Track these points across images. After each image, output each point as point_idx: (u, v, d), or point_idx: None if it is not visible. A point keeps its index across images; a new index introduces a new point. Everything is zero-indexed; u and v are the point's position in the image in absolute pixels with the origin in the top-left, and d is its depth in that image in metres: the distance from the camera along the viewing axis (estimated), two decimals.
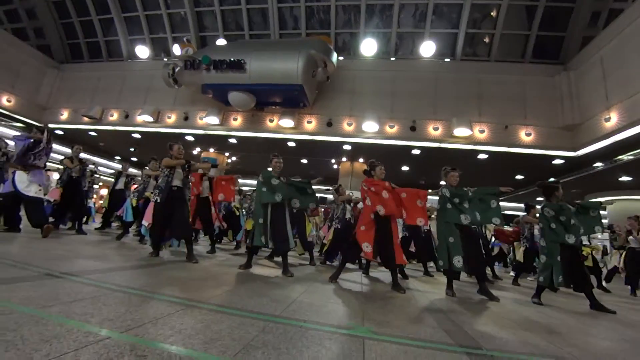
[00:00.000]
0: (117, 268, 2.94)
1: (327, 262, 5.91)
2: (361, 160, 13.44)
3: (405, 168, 13.95)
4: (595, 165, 10.60)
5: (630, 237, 6.12)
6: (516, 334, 2.14)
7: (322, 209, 9.25)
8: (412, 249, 6.09)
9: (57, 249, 3.70)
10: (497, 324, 2.44)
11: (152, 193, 5.86)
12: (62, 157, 6.13)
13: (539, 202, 4.25)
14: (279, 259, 4.70)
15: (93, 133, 14.11)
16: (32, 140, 4.68)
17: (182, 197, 4.11)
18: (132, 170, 7.19)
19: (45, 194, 5.20)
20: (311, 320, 1.92)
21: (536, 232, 5.63)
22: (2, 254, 2.96)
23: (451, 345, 1.74)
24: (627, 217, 6.42)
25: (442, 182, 4.13)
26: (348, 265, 5.07)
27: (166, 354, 1.23)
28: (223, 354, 1.28)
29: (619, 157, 9.73)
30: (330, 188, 6.37)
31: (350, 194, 6.49)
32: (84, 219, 6.88)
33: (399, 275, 4.18)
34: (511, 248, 7.68)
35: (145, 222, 3.88)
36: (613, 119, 8.68)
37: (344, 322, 2.02)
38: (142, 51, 14.20)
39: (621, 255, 6.44)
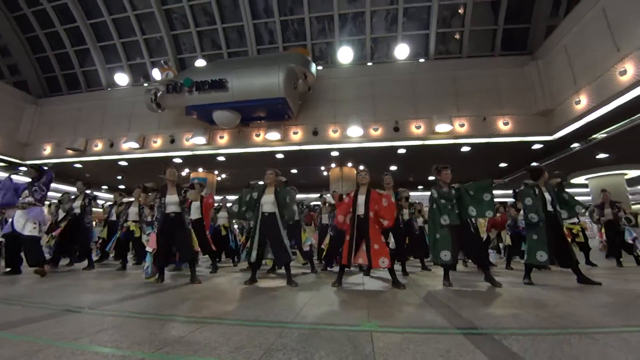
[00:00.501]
0: (129, 297, 3.04)
1: (328, 268, 6.06)
2: (350, 164, 13.70)
3: (393, 168, 14.26)
4: (572, 146, 11.10)
5: (607, 210, 6.52)
6: (508, 312, 2.35)
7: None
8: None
9: (65, 286, 3.77)
10: (490, 305, 2.65)
11: (132, 222, 5.96)
12: (59, 195, 6.14)
13: None
14: (282, 270, 4.84)
15: (78, 165, 13.99)
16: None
17: (181, 221, 4.19)
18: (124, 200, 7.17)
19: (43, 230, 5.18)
20: (322, 322, 2.08)
21: (519, 217, 5.95)
22: (16, 296, 3.04)
23: (450, 329, 1.93)
24: (600, 191, 6.83)
25: (431, 178, 4.38)
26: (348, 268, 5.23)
27: None
28: (249, 359, 1.44)
29: (593, 136, 10.22)
30: (326, 196, 6.60)
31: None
32: (77, 253, 6.76)
33: (400, 271, 4.38)
34: (497, 235, 7.95)
35: (149, 249, 3.98)
36: (583, 101, 9.16)
37: (351, 320, 2.19)
38: (121, 78, 14.22)
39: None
